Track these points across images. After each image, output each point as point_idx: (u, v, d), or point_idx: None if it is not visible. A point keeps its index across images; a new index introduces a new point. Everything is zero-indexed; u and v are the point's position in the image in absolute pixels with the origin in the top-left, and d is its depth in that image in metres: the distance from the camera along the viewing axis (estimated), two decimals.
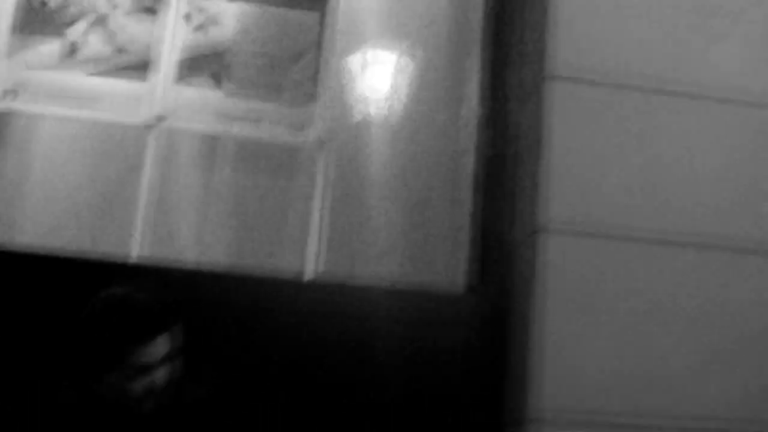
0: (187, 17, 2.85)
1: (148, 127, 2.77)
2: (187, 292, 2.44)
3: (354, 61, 2.82)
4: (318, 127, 2.82)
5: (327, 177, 2.76)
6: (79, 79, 2.82)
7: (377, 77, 2.82)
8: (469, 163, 2.75)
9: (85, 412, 1.96)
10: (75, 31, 2.84)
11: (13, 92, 2.80)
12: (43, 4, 2.85)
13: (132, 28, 2.84)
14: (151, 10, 2.86)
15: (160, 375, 1.93)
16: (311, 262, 2.71)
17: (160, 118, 2.80)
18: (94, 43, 2.84)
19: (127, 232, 2.71)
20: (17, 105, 2.77)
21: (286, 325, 2.55)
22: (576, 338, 2.39)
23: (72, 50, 2.83)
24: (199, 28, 2.85)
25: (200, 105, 2.84)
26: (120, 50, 2.85)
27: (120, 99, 2.81)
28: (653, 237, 2.47)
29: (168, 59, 2.85)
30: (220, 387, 2.10)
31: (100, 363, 1.91)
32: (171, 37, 2.85)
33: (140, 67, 2.84)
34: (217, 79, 2.84)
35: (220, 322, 2.54)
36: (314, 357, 2.54)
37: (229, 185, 2.79)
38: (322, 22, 2.85)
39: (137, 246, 2.71)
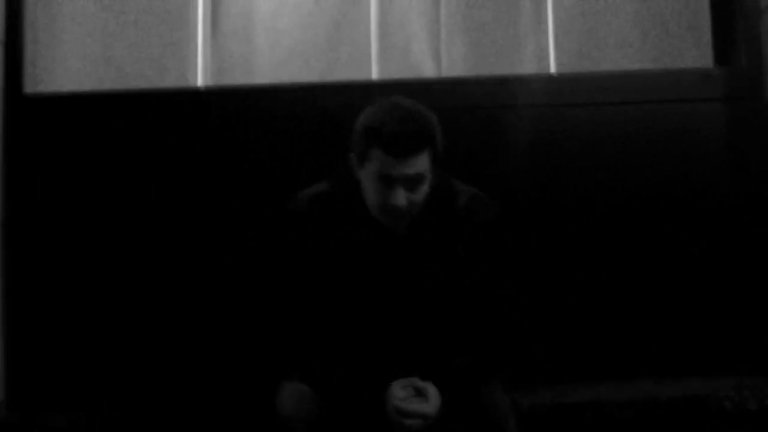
0: None
1: None
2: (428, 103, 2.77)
3: None
4: None
5: None
6: None
7: None
8: None
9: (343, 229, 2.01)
10: None
11: None
12: None
13: None
14: None
15: (418, 191, 1.93)
16: (549, 56, 2.88)
17: None
18: None
19: (364, 55, 2.91)
20: None
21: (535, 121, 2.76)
22: None
23: None
24: None
25: None
26: None
27: None
28: None
29: None
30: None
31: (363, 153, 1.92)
32: None
33: None
34: None
35: (469, 128, 2.74)
36: (563, 149, 2.74)
37: None
38: None
39: (375, 67, 2.90)
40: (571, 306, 2.74)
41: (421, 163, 1.91)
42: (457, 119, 2.73)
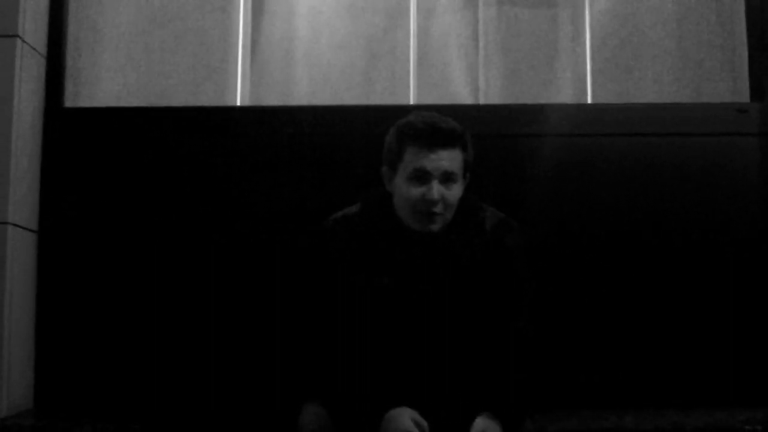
0: None
1: None
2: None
3: None
4: None
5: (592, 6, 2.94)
6: None
7: None
8: None
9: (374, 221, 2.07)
10: None
11: None
12: None
13: None
14: None
15: (451, 188, 1.99)
16: (587, 89, 2.92)
17: None
18: None
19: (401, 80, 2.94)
20: None
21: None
22: None
23: None
24: None
25: None
26: None
27: None
28: None
29: None
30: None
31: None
32: None
33: None
34: None
35: (503, 155, 2.77)
36: (594, 174, 2.76)
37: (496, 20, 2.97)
38: None
39: (413, 93, 2.94)
40: (599, 335, 2.73)
41: (453, 160, 1.99)
42: (493, 146, 2.74)
